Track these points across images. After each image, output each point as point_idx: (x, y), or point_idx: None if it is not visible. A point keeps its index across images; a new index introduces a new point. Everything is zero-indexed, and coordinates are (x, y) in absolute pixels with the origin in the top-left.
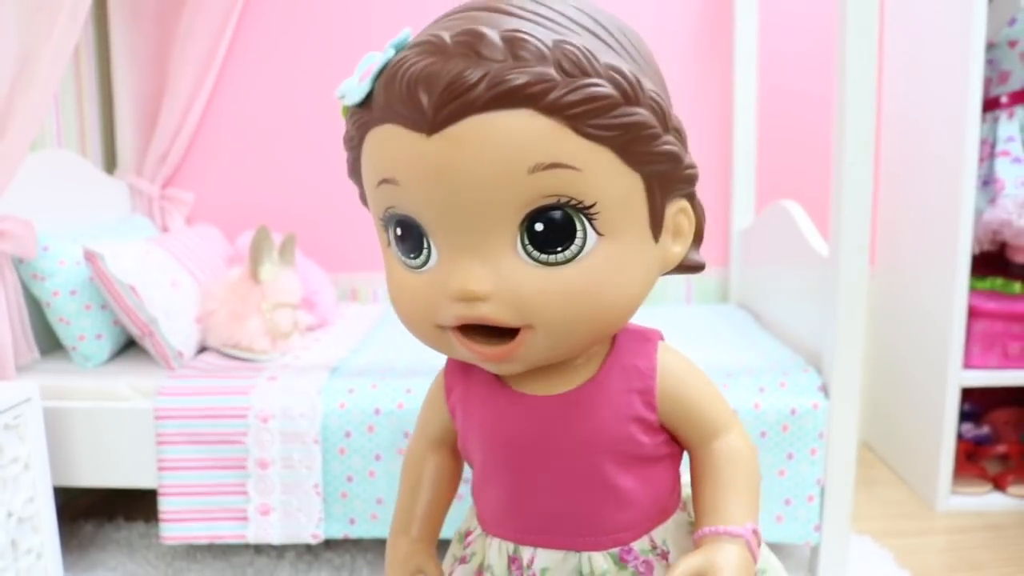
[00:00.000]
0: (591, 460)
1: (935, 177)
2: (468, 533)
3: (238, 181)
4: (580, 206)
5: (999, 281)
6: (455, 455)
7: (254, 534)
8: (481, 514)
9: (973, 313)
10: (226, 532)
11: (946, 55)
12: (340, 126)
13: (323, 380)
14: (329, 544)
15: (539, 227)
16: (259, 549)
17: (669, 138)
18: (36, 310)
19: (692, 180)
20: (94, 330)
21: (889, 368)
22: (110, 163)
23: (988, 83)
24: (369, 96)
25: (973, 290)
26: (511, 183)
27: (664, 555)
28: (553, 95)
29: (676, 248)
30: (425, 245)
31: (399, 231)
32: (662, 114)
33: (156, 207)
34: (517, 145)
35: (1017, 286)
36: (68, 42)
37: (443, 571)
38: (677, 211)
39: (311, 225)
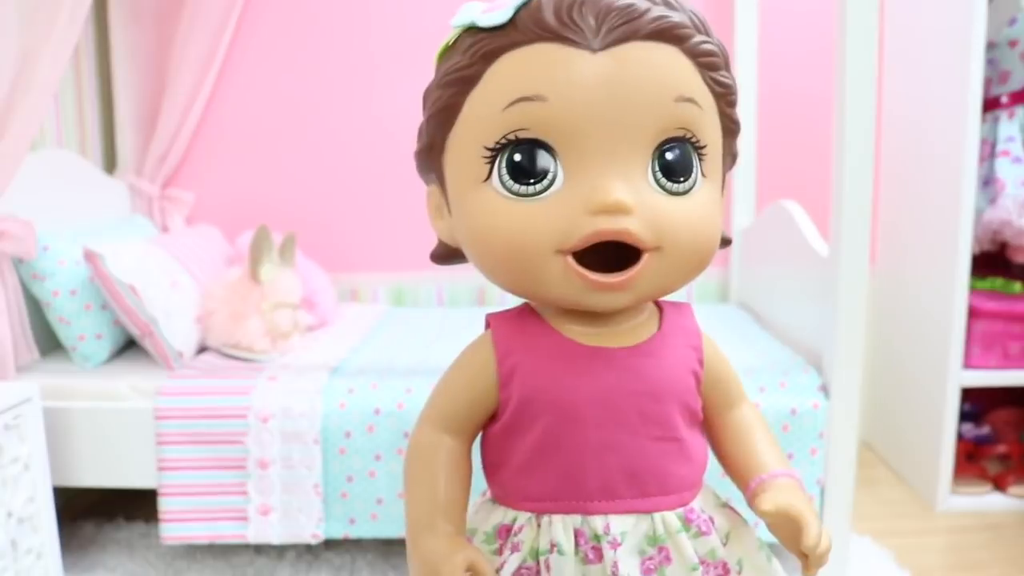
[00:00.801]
0: (664, 409)
1: (935, 177)
2: (505, 528)
3: (238, 181)
4: (698, 144)
5: (999, 281)
6: (469, 440)
7: (254, 534)
8: (533, 496)
9: (973, 313)
10: (226, 532)
11: (946, 55)
12: (340, 126)
13: (323, 380)
14: (329, 544)
15: (669, 156)
16: (259, 549)
17: (737, 112)
18: (36, 310)
19: (735, 161)
20: (94, 330)
21: (889, 368)
22: (110, 163)
23: (988, 83)
24: (503, 24)
25: (973, 290)
26: (659, 108)
27: (711, 519)
28: (694, 40)
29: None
30: (551, 169)
31: (518, 157)
32: (736, 87)
33: (156, 207)
34: (670, 75)
35: (1017, 286)
36: (68, 42)
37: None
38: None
39: (311, 225)
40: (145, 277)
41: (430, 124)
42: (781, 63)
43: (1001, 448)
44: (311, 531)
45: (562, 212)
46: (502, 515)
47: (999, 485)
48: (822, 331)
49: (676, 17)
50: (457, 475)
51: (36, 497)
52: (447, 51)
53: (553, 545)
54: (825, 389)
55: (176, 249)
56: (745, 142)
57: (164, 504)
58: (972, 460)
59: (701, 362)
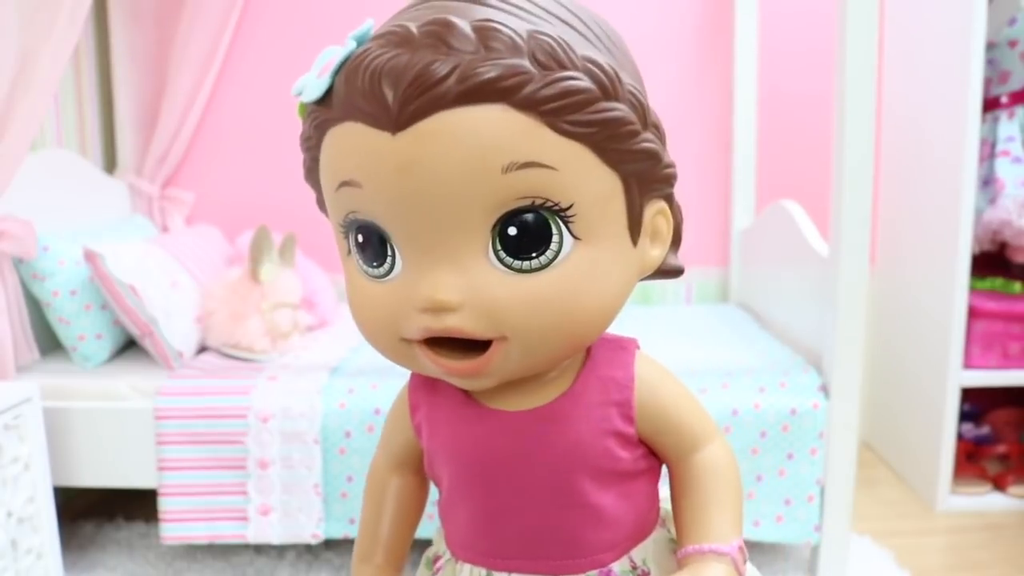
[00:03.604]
0: (567, 477)
1: (935, 177)
2: (437, 558)
3: (238, 181)
4: (556, 208)
5: (999, 281)
6: (420, 475)
7: (254, 534)
8: (450, 538)
9: (973, 313)
10: (226, 532)
11: (946, 55)
12: None
13: (323, 380)
14: (329, 544)
15: (512, 231)
16: (259, 549)
17: (648, 135)
18: (36, 310)
19: (671, 180)
20: (94, 330)
21: (889, 368)
22: (110, 163)
23: (988, 83)
24: (329, 92)
25: (973, 290)
26: (483, 183)
27: (645, 575)
28: (528, 89)
29: (655, 252)
30: (389, 253)
31: (360, 238)
32: (641, 110)
33: (156, 207)
34: (490, 143)
35: (1017, 286)
36: (68, 42)
37: None
38: (655, 213)
39: (311, 225)
40: (145, 277)
41: (308, 181)
42: (781, 63)
43: (1001, 448)
44: (311, 531)
45: (399, 303)
46: (438, 546)
47: (999, 485)
48: (822, 331)
49: (498, 66)
50: (401, 510)
51: (36, 497)
52: (302, 113)
53: None
54: (825, 389)
55: (176, 249)
56: (745, 142)
57: (164, 504)
58: (972, 460)
59: (630, 418)
